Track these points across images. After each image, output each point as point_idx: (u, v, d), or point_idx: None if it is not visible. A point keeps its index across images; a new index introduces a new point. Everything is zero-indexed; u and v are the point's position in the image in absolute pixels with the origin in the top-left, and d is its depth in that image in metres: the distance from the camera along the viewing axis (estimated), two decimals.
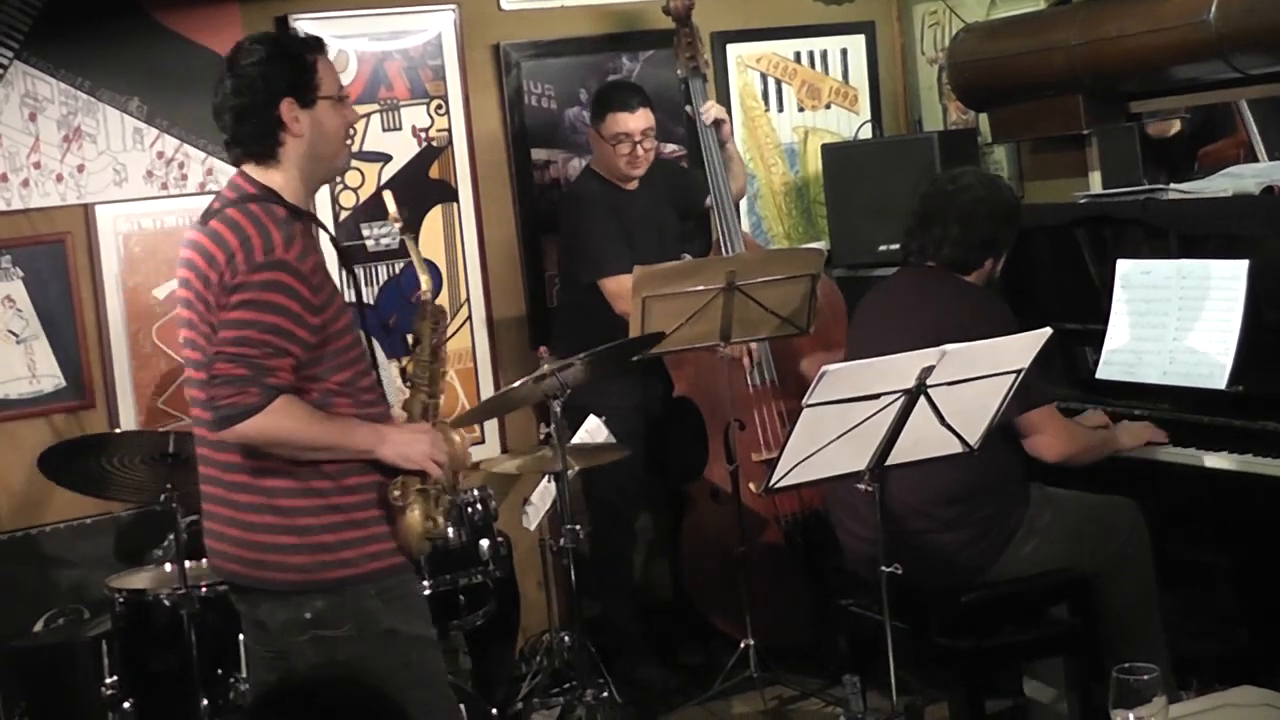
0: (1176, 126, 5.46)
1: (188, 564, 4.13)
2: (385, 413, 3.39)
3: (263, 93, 3.21)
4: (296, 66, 3.24)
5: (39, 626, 4.72)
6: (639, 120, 5.18)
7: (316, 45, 3.33)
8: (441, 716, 3.41)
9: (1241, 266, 4.29)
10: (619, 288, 5.03)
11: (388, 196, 3.65)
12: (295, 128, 3.23)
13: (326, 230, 3.49)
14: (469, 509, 4.66)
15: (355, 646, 3.22)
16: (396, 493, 3.26)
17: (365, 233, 5.30)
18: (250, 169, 3.27)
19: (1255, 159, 5.25)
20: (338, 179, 5.07)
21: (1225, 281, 4.33)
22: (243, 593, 3.35)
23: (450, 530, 3.38)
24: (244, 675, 4.16)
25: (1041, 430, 4.15)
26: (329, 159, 3.34)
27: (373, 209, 5.28)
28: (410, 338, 3.51)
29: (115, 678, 4.24)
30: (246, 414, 3.08)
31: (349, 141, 3.40)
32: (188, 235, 3.31)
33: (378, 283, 5.30)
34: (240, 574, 3.29)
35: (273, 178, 3.25)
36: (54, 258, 4.90)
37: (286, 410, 3.12)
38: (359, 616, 3.23)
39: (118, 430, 4.87)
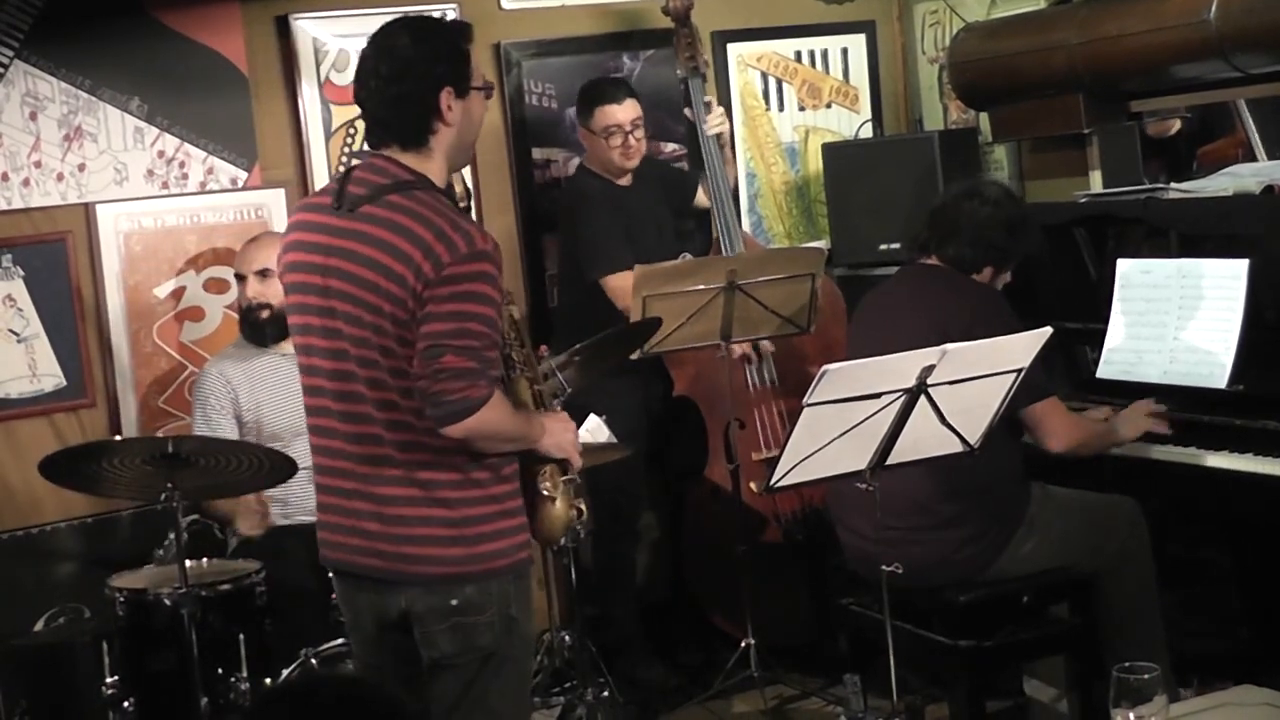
0: (1177, 125, 5.46)
1: (188, 563, 4.11)
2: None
3: (426, 80, 3.15)
4: (456, 54, 3.19)
5: (39, 625, 4.73)
6: (627, 110, 5.19)
7: (469, 33, 3.29)
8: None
9: (1242, 266, 4.29)
10: (622, 284, 5.04)
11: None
12: (450, 117, 3.18)
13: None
14: None
15: (491, 633, 3.21)
16: (548, 484, 3.28)
17: None
18: (399, 155, 3.19)
19: (1254, 158, 5.25)
20: (325, 178, 5.06)
21: (1225, 281, 4.33)
22: (375, 584, 3.26)
23: (587, 517, 3.43)
24: (244, 675, 4.15)
25: (1046, 422, 4.16)
26: (469, 148, 3.30)
27: None
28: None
29: (116, 677, 4.23)
30: (478, 406, 3.04)
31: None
32: (315, 219, 3.20)
33: None
34: (380, 567, 3.23)
35: (426, 165, 3.19)
36: (55, 257, 4.90)
37: (501, 404, 3.11)
38: (500, 601, 3.21)
39: (117, 438, 4.86)
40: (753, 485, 4.95)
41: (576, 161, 5.58)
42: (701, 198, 5.44)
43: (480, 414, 3.05)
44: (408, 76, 3.14)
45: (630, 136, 5.20)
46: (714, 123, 5.36)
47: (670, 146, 5.77)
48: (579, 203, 5.31)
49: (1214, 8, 4.51)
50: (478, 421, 3.06)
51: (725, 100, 5.85)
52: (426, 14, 3.34)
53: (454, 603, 3.19)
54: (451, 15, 5.39)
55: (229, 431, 4.67)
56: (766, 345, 5.25)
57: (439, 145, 3.20)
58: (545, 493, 3.30)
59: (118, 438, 4.86)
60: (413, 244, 3.07)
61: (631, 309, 4.76)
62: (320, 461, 3.29)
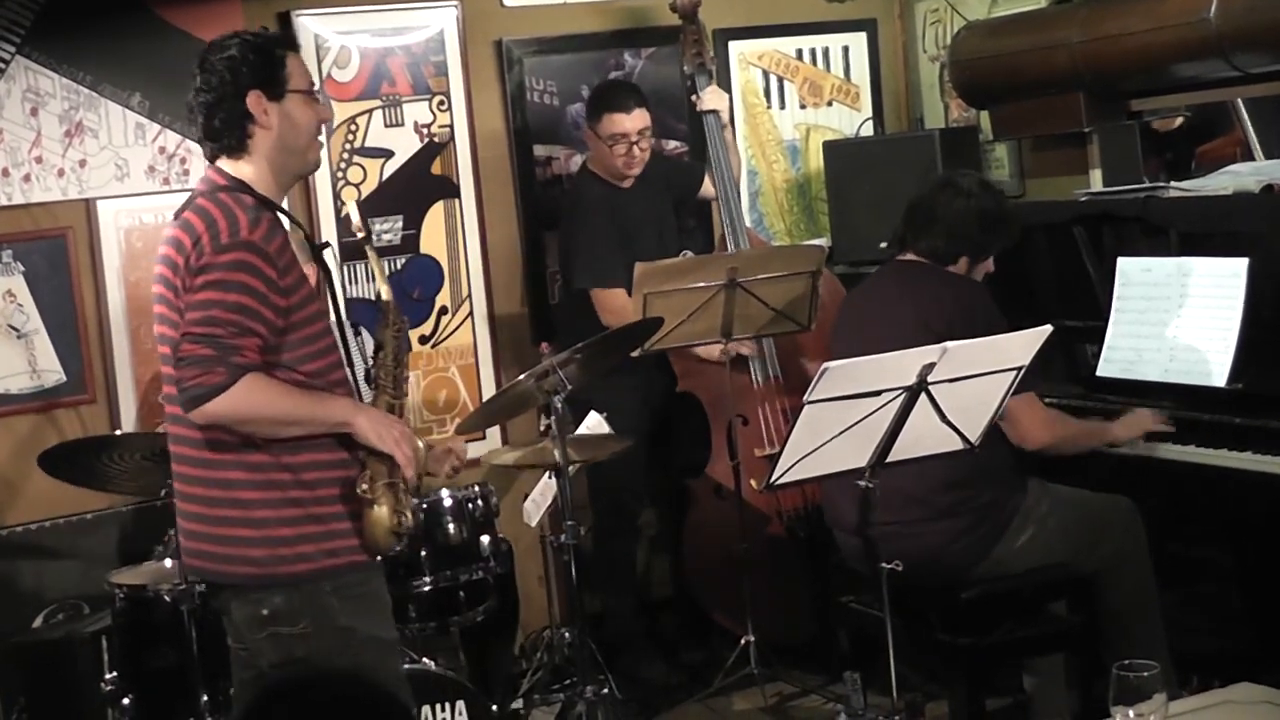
0: (1179, 120, 5.46)
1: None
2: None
3: (230, 85, 3.24)
4: (264, 60, 3.27)
5: (38, 622, 4.72)
6: (635, 121, 5.18)
7: (287, 42, 3.40)
8: None
9: (1241, 264, 4.29)
10: (609, 302, 5.05)
11: (352, 207, 3.65)
12: (264, 120, 3.25)
13: (298, 224, 3.49)
14: (469, 505, 4.66)
15: (312, 644, 3.21)
16: (364, 485, 3.24)
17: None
18: (223, 163, 3.29)
19: (1251, 157, 5.26)
20: (340, 175, 5.06)
21: (1225, 279, 4.33)
22: (210, 588, 3.38)
23: (411, 524, 3.32)
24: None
25: (1021, 417, 4.15)
26: (299, 152, 3.34)
27: (375, 205, 5.29)
28: (373, 343, 3.49)
29: (115, 674, 4.24)
30: (214, 393, 3.07)
31: (320, 138, 3.41)
32: (165, 232, 3.32)
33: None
34: (205, 569, 3.31)
35: (243, 170, 3.27)
36: (55, 253, 4.90)
37: (255, 386, 3.10)
38: (316, 613, 3.22)
39: (118, 432, 4.87)
40: (753, 482, 4.96)
41: (579, 159, 5.58)
42: (708, 186, 5.43)
43: (222, 399, 3.06)
44: (217, 85, 3.25)
45: (635, 147, 5.19)
46: (708, 99, 5.32)
47: (672, 144, 5.77)
48: (577, 207, 5.31)
49: (1214, 7, 4.51)
50: (219, 406, 3.07)
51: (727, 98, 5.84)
52: (248, 29, 3.39)
53: (265, 611, 3.22)
54: (452, 15, 5.40)
55: None
56: (748, 347, 5.22)
57: (258, 149, 3.28)
58: (362, 492, 3.23)
59: (118, 432, 4.86)
60: (188, 235, 3.18)
61: (630, 313, 4.76)
62: (171, 463, 3.36)
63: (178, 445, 3.30)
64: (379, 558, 3.34)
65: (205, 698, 4.08)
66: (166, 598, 4.19)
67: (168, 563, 4.41)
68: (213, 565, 3.28)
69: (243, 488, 3.20)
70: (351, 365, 3.42)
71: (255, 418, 3.14)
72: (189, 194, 3.33)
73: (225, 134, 3.26)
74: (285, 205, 3.47)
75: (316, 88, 3.41)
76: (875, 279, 4.53)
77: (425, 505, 4.51)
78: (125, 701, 4.20)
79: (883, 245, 5.28)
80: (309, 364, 3.24)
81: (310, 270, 3.37)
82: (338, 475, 3.26)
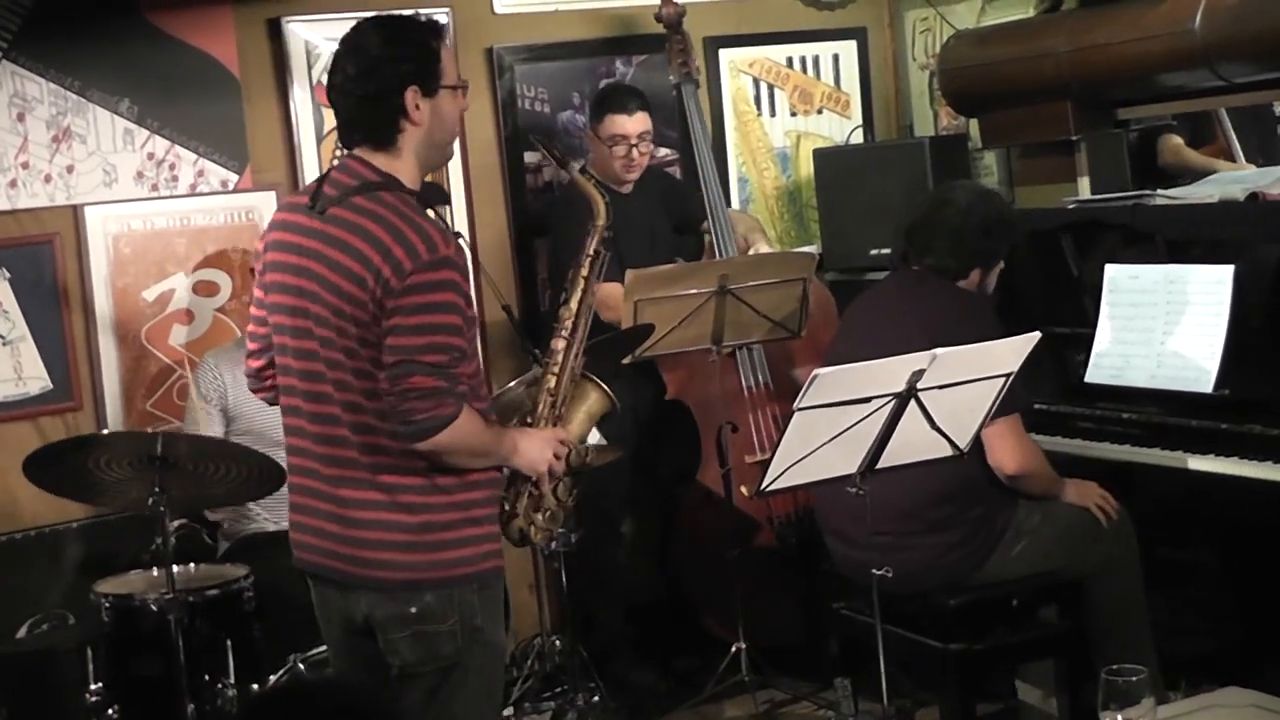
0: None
1: (175, 569, 4.10)
2: (491, 407, 3.34)
3: (391, 79, 3.14)
4: (423, 53, 3.18)
5: (23, 632, 4.68)
6: (636, 124, 5.19)
7: (439, 31, 3.27)
8: None
9: (1227, 271, 4.31)
10: (604, 295, 5.03)
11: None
12: (416, 116, 3.16)
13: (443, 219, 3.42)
14: None
15: (453, 642, 3.18)
16: (509, 505, 3.32)
17: None
18: (365, 152, 3.19)
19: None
20: None
21: (1211, 286, 4.35)
22: (339, 588, 3.26)
23: (551, 540, 3.42)
24: (231, 681, 4.15)
25: (1003, 440, 4.10)
26: (443, 147, 3.28)
27: None
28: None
29: (100, 684, 4.20)
30: (445, 424, 3.04)
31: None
32: (291, 219, 3.20)
33: None
34: (341, 570, 3.22)
35: (393, 163, 3.18)
36: (42, 259, 4.89)
37: (470, 419, 3.10)
38: (462, 610, 3.19)
39: (105, 431, 4.85)
40: (744, 489, 4.96)
41: (571, 165, 5.57)
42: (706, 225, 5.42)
43: (448, 431, 3.05)
44: (373, 75, 3.14)
45: (634, 150, 5.20)
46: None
47: (663, 151, 5.77)
48: (568, 207, 5.31)
49: (1199, 18, 4.54)
50: (445, 438, 3.06)
51: (717, 105, 5.86)
52: (398, 14, 3.33)
53: (413, 610, 3.16)
54: (443, 19, 5.40)
55: (216, 424, 4.68)
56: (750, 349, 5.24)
57: (408, 144, 3.19)
58: (509, 509, 3.34)
59: (104, 431, 4.83)
60: (371, 246, 3.07)
61: (623, 314, 4.76)
62: (291, 461, 3.29)
63: (314, 445, 3.20)
64: None
65: (191, 707, 4.06)
66: (153, 607, 4.16)
67: (154, 572, 4.40)
68: (354, 568, 3.19)
69: (409, 492, 3.14)
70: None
71: (466, 449, 3.13)
72: (320, 183, 3.20)
73: (377, 127, 3.16)
74: None
75: (464, 80, 3.31)
76: (883, 286, 4.51)
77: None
78: (110, 712, 4.17)
79: (879, 251, 5.32)
80: (470, 364, 3.18)
81: None
82: (495, 476, 3.26)
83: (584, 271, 3.47)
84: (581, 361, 3.47)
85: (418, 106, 3.16)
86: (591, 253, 3.47)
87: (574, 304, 3.45)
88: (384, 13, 3.38)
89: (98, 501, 4.53)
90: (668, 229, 5.44)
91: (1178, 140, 5.42)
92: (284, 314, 3.22)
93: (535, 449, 3.29)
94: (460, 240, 3.20)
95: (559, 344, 3.43)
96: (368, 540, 3.16)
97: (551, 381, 3.41)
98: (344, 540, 3.19)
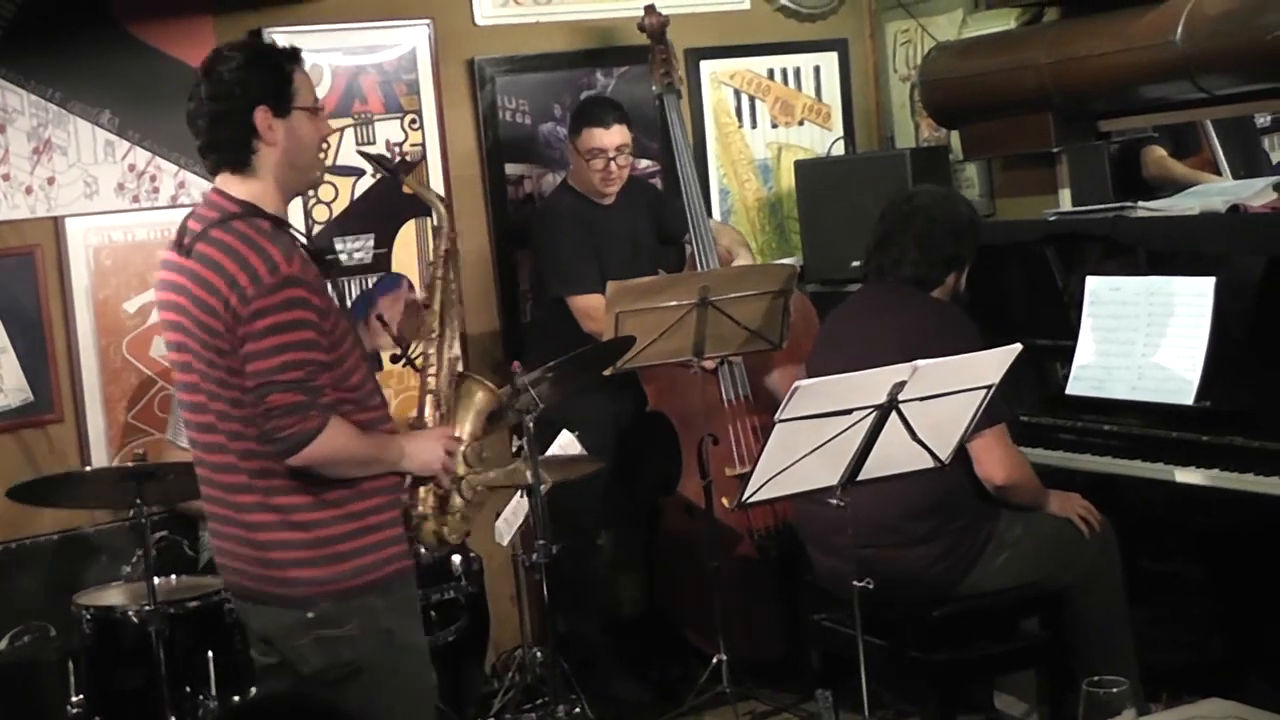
0: None
1: (156, 580, 4.09)
2: (388, 415, 3.40)
3: (240, 99, 3.20)
4: (273, 74, 3.24)
5: (3, 644, 4.67)
6: (614, 136, 5.19)
7: (293, 55, 3.33)
8: None
9: (1208, 284, 4.32)
10: (587, 306, 5.05)
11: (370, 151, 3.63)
12: (269, 136, 3.22)
13: (301, 238, 3.45)
14: None
15: (357, 646, 3.23)
16: (419, 509, 3.37)
17: (339, 246, 5.29)
18: (225, 180, 3.26)
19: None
20: (310, 192, 5.06)
21: (1193, 298, 4.36)
22: (253, 605, 3.34)
23: (458, 530, 3.44)
24: (213, 693, 4.13)
25: (990, 451, 4.12)
26: (304, 169, 3.33)
27: (346, 223, 5.28)
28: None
29: (81, 696, 4.20)
30: (311, 438, 3.11)
31: (324, 155, 3.39)
32: (170, 258, 3.29)
33: (350, 297, 5.29)
34: (252, 589, 3.30)
35: (251, 188, 3.24)
36: (23, 271, 4.87)
37: (339, 429, 3.15)
38: (362, 614, 3.23)
39: (88, 468, 4.83)
40: (725, 501, 4.96)
41: (551, 177, 5.60)
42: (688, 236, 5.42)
43: (316, 444, 3.11)
44: (223, 96, 3.21)
45: (613, 162, 5.20)
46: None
47: (644, 163, 5.77)
48: (549, 218, 5.32)
49: (1180, 30, 4.55)
50: (315, 451, 3.12)
51: (699, 117, 5.87)
52: (253, 40, 3.37)
53: (310, 615, 3.23)
54: (424, 33, 5.40)
55: None
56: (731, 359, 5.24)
57: (264, 165, 3.25)
58: (419, 516, 3.38)
59: (87, 469, 4.81)
60: (219, 276, 3.14)
61: (605, 326, 4.76)
62: (202, 490, 3.36)
63: (214, 474, 3.29)
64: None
65: (173, 719, 4.05)
66: (134, 619, 4.16)
67: (135, 584, 4.39)
68: (261, 586, 3.27)
69: (300, 510, 3.21)
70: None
71: (342, 459, 3.18)
72: (189, 219, 3.29)
73: (230, 148, 3.23)
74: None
75: (320, 103, 3.38)
76: (855, 300, 4.52)
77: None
78: None
79: (860, 263, 5.32)
80: (349, 379, 3.24)
81: None
82: (384, 483, 3.29)
83: (438, 272, 3.50)
84: (459, 360, 3.53)
85: (270, 126, 3.22)
86: (442, 253, 3.50)
87: (435, 305, 3.50)
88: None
89: (77, 506, 4.52)
90: (651, 240, 5.44)
91: (1161, 152, 5.45)
92: (173, 351, 3.32)
93: (425, 450, 3.34)
94: (311, 253, 3.28)
95: (429, 347, 3.48)
96: (272, 560, 3.24)
97: (431, 383, 3.45)
98: (252, 561, 3.27)
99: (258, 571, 3.26)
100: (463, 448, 3.43)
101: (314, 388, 3.11)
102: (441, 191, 5.45)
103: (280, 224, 3.24)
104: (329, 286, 3.34)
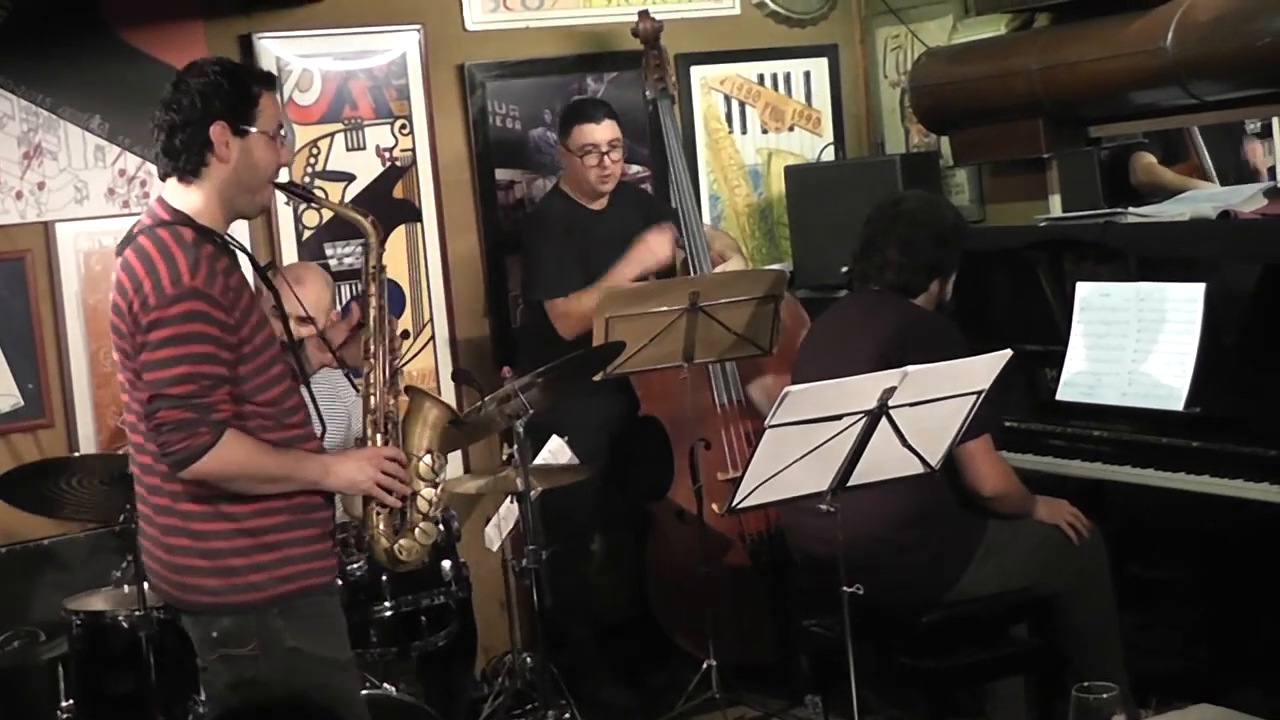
0: None
1: (146, 585, 4.09)
2: (312, 434, 3.39)
3: (199, 110, 3.21)
4: (239, 93, 3.24)
5: None
6: (604, 131, 5.20)
7: (267, 79, 3.34)
8: None
9: (1199, 290, 4.33)
10: (563, 308, 5.05)
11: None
12: (223, 152, 3.22)
13: (244, 249, 3.44)
14: None
15: (261, 666, 3.24)
16: (371, 533, 3.36)
17: (329, 252, 5.29)
18: (171, 188, 3.26)
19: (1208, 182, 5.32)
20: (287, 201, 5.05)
21: (1183, 304, 4.37)
22: (172, 612, 3.42)
23: (413, 551, 3.40)
24: (202, 698, 4.12)
25: (979, 461, 4.13)
26: (252, 192, 3.31)
27: (336, 229, 5.28)
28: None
29: (71, 701, 4.20)
30: (200, 454, 3.11)
31: (274, 181, 3.36)
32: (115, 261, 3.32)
33: (339, 302, 5.28)
34: (167, 594, 3.35)
35: (190, 198, 3.24)
36: (13, 276, 4.87)
37: (235, 444, 3.14)
38: (263, 634, 3.24)
39: (76, 454, 4.83)
40: (715, 506, 4.96)
41: (541, 182, 5.60)
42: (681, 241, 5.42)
43: (207, 459, 3.11)
44: (185, 106, 3.22)
45: (606, 158, 5.21)
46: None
47: (634, 168, 5.77)
48: (535, 223, 5.34)
49: (1170, 36, 4.56)
50: (205, 466, 3.12)
51: (689, 123, 5.87)
52: (229, 59, 3.36)
53: (214, 634, 3.25)
54: (414, 39, 5.40)
55: None
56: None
57: (212, 180, 3.24)
58: (370, 539, 3.38)
59: (76, 454, 4.82)
60: (130, 280, 3.17)
61: (594, 331, 4.76)
62: (135, 489, 3.38)
63: (141, 474, 3.31)
64: (339, 581, 3.39)
65: None
66: (124, 624, 4.15)
67: (125, 589, 4.38)
68: (172, 591, 3.31)
69: (197, 519, 3.22)
70: (309, 386, 3.43)
71: (239, 474, 3.18)
72: (137, 225, 3.31)
73: (182, 155, 3.23)
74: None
75: (282, 131, 3.36)
76: (839, 307, 4.52)
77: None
78: None
79: (844, 270, 5.32)
80: (264, 394, 3.25)
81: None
82: (293, 501, 3.27)
83: (371, 290, 3.46)
84: (400, 378, 3.50)
85: (226, 143, 3.22)
86: (371, 270, 3.46)
87: (369, 323, 3.46)
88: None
89: (69, 517, 4.51)
90: None
91: (1150, 158, 5.46)
92: (116, 351, 3.32)
93: (351, 469, 3.32)
94: (257, 268, 3.32)
95: (366, 367, 3.44)
96: (177, 565, 3.26)
97: (371, 402, 3.42)
98: (164, 565, 3.29)
99: (169, 576, 3.29)
100: (414, 463, 3.40)
101: (205, 404, 3.11)
102: (432, 196, 5.46)
103: (206, 234, 3.22)
104: (275, 300, 3.36)
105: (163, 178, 3.30)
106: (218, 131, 3.21)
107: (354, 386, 3.54)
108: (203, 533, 3.22)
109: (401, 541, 3.38)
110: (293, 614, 3.26)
